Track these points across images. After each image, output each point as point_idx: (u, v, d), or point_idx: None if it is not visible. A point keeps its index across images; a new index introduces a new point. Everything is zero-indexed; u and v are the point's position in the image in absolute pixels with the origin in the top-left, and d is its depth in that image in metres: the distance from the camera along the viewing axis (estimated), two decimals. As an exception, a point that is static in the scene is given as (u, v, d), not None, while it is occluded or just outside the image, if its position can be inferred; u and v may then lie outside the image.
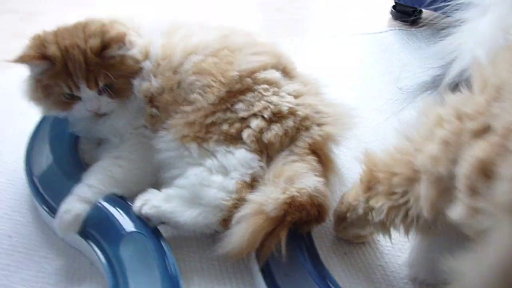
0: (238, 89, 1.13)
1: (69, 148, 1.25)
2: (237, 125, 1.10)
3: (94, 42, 1.06)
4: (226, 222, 1.03)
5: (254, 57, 1.17)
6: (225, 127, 1.10)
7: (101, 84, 1.09)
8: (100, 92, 1.10)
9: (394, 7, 2.26)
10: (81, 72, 1.06)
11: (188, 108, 1.12)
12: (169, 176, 1.12)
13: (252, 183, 1.07)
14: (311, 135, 1.11)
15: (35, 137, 1.29)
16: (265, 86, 1.15)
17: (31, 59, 1.07)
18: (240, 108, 1.11)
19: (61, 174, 1.15)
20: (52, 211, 1.09)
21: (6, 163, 1.34)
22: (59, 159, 1.20)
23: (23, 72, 1.14)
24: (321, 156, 1.11)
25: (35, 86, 1.12)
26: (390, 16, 2.29)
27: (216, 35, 1.21)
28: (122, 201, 1.10)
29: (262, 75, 1.15)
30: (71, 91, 1.10)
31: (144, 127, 1.19)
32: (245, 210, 1.00)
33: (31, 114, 1.43)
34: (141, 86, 1.16)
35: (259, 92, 1.13)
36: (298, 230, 1.02)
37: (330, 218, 1.10)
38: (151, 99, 1.16)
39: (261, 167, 1.08)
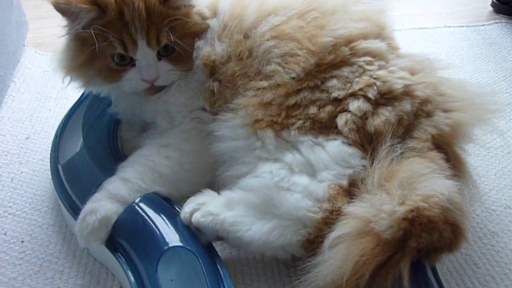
0: (331, 62, 0.82)
1: (105, 135, 0.99)
2: (329, 108, 0.79)
3: None
4: (311, 245, 0.72)
5: (352, 22, 0.86)
6: (312, 110, 0.79)
7: (163, 42, 0.85)
8: (159, 57, 0.87)
9: (497, -2, 1.90)
10: (140, 23, 0.82)
11: (263, 83, 0.82)
12: (232, 175, 0.82)
13: (350, 189, 0.74)
14: (435, 124, 0.78)
15: (67, 120, 1.04)
16: (368, 58, 0.83)
17: (76, 2, 0.80)
18: (333, 86, 0.80)
19: (91, 163, 0.88)
20: (75, 210, 0.82)
21: (33, 151, 1.11)
22: (91, 144, 0.94)
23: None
24: (448, 154, 0.77)
25: (76, 47, 0.86)
26: (491, 8, 1.93)
27: None
28: (167, 204, 0.81)
29: (362, 44, 0.84)
30: (125, 51, 0.84)
31: (203, 109, 0.90)
32: (343, 228, 0.68)
33: (68, 99, 1.24)
34: (201, 51, 0.87)
35: (360, 66, 0.82)
36: (422, 261, 0.68)
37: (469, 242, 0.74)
38: (213, 70, 0.87)
39: (364, 166, 0.75)
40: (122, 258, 0.76)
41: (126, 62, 0.86)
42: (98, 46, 0.82)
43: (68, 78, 0.91)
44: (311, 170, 0.76)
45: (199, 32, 0.89)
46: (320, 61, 0.82)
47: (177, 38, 0.84)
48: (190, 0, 0.88)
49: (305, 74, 0.81)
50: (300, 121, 0.79)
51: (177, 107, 0.91)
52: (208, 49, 0.87)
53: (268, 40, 0.84)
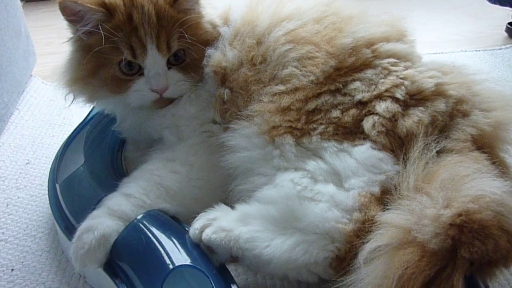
0: (352, 64, 0.75)
1: (109, 154, 0.92)
2: (354, 111, 0.71)
3: None
4: (341, 264, 0.62)
5: (371, 26, 0.80)
6: (335, 114, 0.72)
7: (174, 47, 0.79)
8: (169, 66, 0.81)
9: (511, 23, 1.87)
10: (150, 26, 0.76)
11: (279, 87, 0.75)
12: (248, 188, 0.73)
13: (383, 197, 0.65)
14: (474, 123, 0.70)
15: (69, 142, 0.97)
16: (392, 60, 0.76)
17: (83, 2, 0.75)
18: (356, 89, 0.73)
19: (91, 180, 0.80)
20: (72, 232, 0.73)
21: (32, 176, 1.04)
22: (93, 162, 0.86)
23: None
24: (491, 157, 0.68)
25: (81, 56, 0.80)
26: (505, 34, 1.89)
27: (316, 2, 0.86)
28: (173, 221, 0.72)
29: (385, 47, 0.77)
30: (134, 57, 0.77)
31: (213, 122, 0.83)
32: (380, 239, 0.58)
33: (72, 126, 1.19)
34: (211, 58, 0.81)
35: (384, 68, 0.75)
36: (474, 276, 0.57)
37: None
38: (224, 77, 0.81)
39: (397, 172, 0.66)
40: (123, 284, 0.66)
41: (134, 71, 0.79)
42: (104, 52, 0.76)
43: (71, 94, 0.85)
44: (337, 179, 0.67)
45: (210, 40, 0.83)
46: (340, 64, 0.75)
47: (187, 45, 0.79)
48: (199, 8, 0.83)
49: (324, 78, 0.75)
50: (322, 126, 0.71)
51: (187, 120, 0.84)
52: (219, 55, 0.81)
53: (283, 44, 0.78)
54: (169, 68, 0.81)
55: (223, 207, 0.71)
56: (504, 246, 0.56)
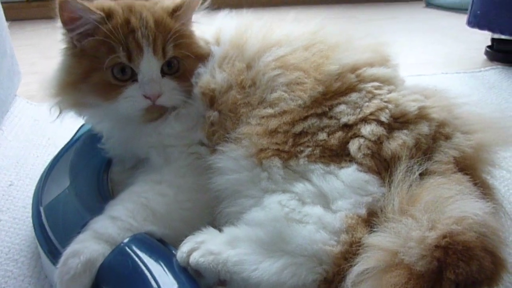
0: (338, 89, 0.77)
1: (95, 176, 0.91)
2: (340, 134, 0.72)
3: (166, 2, 0.84)
4: (329, 286, 0.62)
5: (357, 52, 0.82)
6: (321, 136, 0.73)
7: (169, 53, 0.81)
8: (163, 74, 0.82)
9: (490, 47, 1.94)
10: (148, 30, 0.79)
11: (268, 110, 0.76)
12: (235, 210, 0.73)
13: (369, 219, 0.65)
14: (456, 146, 0.72)
15: (54, 164, 0.96)
16: (376, 83, 0.78)
17: (83, 7, 0.76)
18: (342, 112, 0.75)
19: (77, 202, 0.80)
20: (56, 256, 0.71)
21: (15, 198, 1.02)
22: (78, 184, 0.85)
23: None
24: (473, 179, 0.69)
25: (73, 61, 0.80)
26: (485, 57, 1.95)
27: (304, 30, 0.89)
28: (160, 245, 0.71)
29: (369, 71, 0.80)
30: (129, 59, 0.78)
31: (200, 144, 0.83)
32: (367, 262, 0.59)
33: (57, 147, 1.17)
34: (200, 79, 0.82)
35: (368, 91, 0.77)
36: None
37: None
38: (212, 100, 0.82)
39: (383, 194, 0.67)
40: (108, 310, 0.65)
41: (127, 76, 0.80)
42: (98, 56, 0.77)
43: (57, 107, 0.84)
44: (324, 201, 0.68)
45: (203, 56, 0.85)
46: (327, 89, 0.77)
47: (181, 54, 0.81)
48: (192, 26, 0.87)
49: (311, 102, 0.76)
50: (309, 149, 0.72)
51: (173, 140, 0.84)
52: (208, 77, 0.82)
53: (272, 69, 0.80)
54: (162, 76, 0.82)
55: (210, 230, 0.71)
56: (488, 267, 0.57)
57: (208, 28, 0.91)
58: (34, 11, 2.40)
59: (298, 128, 0.74)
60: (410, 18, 2.55)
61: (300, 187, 0.69)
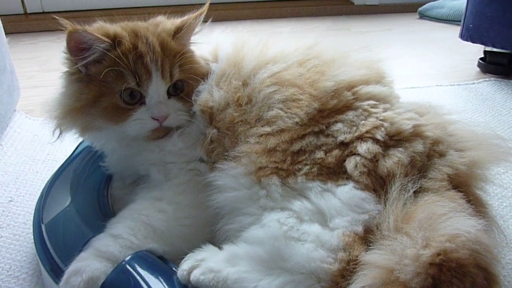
0: (334, 107, 0.79)
1: (95, 192, 0.92)
2: (336, 152, 0.74)
3: (167, 25, 0.86)
4: None
5: (352, 69, 0.84)
6: (319, 155, 0.74)
7: (176, 76, 0.84)
8: (168, 95, 0.84)
9: (483, 59, 1.97)
10: (155, 55, 0.81)
11: (265, 129, 0.78)
12: (234, 228, 0.74)
13: (366, 237, 0.67)
14: (450, 163, 0.74)
15: (55, 180, 0.97)
16: (372, 102, 0.80)
17: (92, 31, 0.78)
18: (339, 130, 0.76)
19: (78, 220, 0.81)
20: (57, 273, 0.73)
21: (15, 214, 1.03)
22: (79, 202, 0.86)
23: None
24: (467, 195, 0.71)
25: (81, 86, 0.81)
26: (478, 69, 1.98)
27: (299, 45, 0.91)
28: (161, 263, 0.72)
29: (365, 89, 0.82)
30: (138, 84, 0.80)
31: (200, 160, 0.85)
32: (363, 280, 0.60)
33: (57, 162, 1.19)
34: (199, 97, 0.84)
35: (364, 110, 0.79)
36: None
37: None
38: (211, 117, 0.83)
39: (379, 211, 0.69)
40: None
41: (135, 100, 0.82)
42: (106, 81, 0.78)
43: (59, 129, 0.86)
44: (322, 218, 0.69)
45: (204, 74, 0.87)
46: (323, 106, 0.79)
47: (186, 76, 0.84)
48: (190, 45, 0.89)
49: (308, 119, 0.78)
50: (307, 167, 0.74)
51: (174, 156, 0.85)
52: (206, 95, 0.84)
53: (268, 86, 0.81)
54: (168, 98, 0.84)
55: (210, 248, 0.72)
56: (480, 284, 0.58)
57: (206, 45, 0.93)
58: (32, 24, 2.41)
59: (296, 146, 0.76)
60: (404, 30, 2.58)
61: (298, 205, 0.71)
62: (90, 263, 0.69)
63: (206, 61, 0.89)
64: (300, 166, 0.74)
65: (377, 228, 0.68)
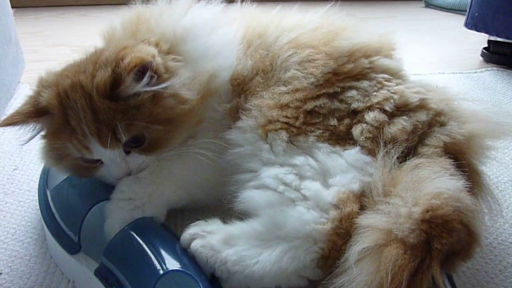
0: (350, 71, 0.81)
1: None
2: (347, 121, 0.77)
3: (102, 77, 0.70)
4: (327, 262, 0.66)
5: (365, 34, 0.86)
6: (332, 122, 0.76)
7: (124, 138, 0.71)
8: (128, 149, 0.75)
9: (486, 48, 1.97)
10: (87, 126, 0.70)
11: (281, 88, 0.80)
12: (241, 179, 0.77)
13: (361, 198, 0.70)
14: (448, 132, 0.76)
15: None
16: (386, 75, 0.83)
17: (20, 120, 0.72)
18: (353, 97, 0.78)
19: (83, 186, 0.81)
20: (62, 238, 0.74)
21: (20, 181, 1.04)
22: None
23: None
24: (462, 164, 0.73)
25: (45, 146, 0.78)
26: (481, 58, 1.99)
27: (313, 17, 0.92)
28: (164, 229, 0.74)
29: (382, 61, 0.84)
30: (82, 154, 0.73)
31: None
32: (365, 241, 0.62)
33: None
34: (228, 74, 0.84)
35: (379, 82, 0.81)
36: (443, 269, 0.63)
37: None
38: (243, 85, 0.83)
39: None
40: (112, 288, 0.67)
41: (95, 159, 0.75)
42: (60, 148, 0.74)
43: None
44: (323, 178, 0.71)
45: (186, 101, 0.75)
46: (338, 68, 0.80)
47: (143, 129, 0.72)
48: (151, 84, 0.73)
49: (324, 81, 0.79)
50: (320, 131, 0.76)
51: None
52: (240, 67, 0.84)
53: (286, 50, 0.83)
54: (128, 152, 0.75)
55: (217, 223, 0.72)
56: (464, 239, 0.62)
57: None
58: (36, -1, 2.41)
59: (309, 105, 0.77)
60: (409, 18, 2.58)
61: (302, 160, 0.73)
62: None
63: (188, 100, 0.76)
64: (313, 129, 0.76)
65: (371, 194, 0.70)
